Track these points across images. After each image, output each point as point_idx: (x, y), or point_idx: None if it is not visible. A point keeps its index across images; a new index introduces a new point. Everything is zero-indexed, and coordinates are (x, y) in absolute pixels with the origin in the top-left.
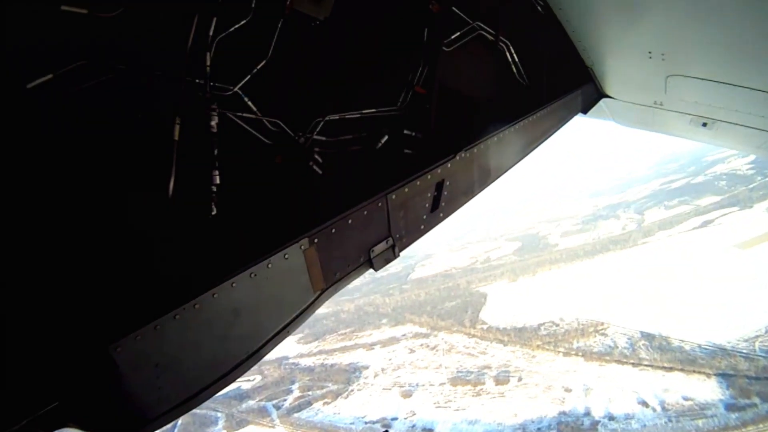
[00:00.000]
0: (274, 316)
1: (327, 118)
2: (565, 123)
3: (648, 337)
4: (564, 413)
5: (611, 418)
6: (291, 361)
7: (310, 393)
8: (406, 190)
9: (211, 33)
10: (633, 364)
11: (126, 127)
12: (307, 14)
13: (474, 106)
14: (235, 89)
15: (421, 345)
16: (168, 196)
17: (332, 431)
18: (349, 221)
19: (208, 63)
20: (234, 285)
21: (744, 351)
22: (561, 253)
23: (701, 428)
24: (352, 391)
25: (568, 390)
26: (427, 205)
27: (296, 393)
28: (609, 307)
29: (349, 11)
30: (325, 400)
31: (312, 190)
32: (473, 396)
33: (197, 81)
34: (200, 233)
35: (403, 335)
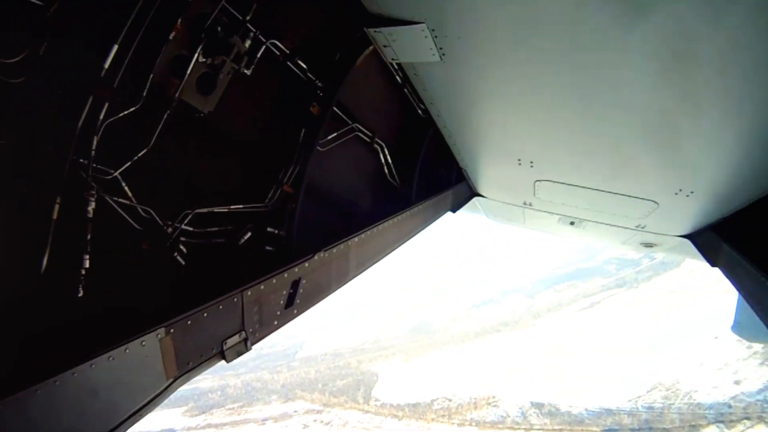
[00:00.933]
0: (129, 400)
1: (196, 211)
2: (434, 221)
3: (538, 405)
4: None
5: None
6: None
7: None
8: (262, 287)
9: (101, 116)
10: (525, 428)
11: (8, 200)
12: (194, 106)
13: (340, 206)
14: (116, 174)
15: (315, 420)
16: (40, 273)
17: None
18: (205, 314)
19: (94, 146)
20: (93, 366)
21: (627, 409)
22: (452, 335)
23: None
24: None
25: None
26: (281, 301)
27: None
28: (500, 381)
29: (230, 109)
30: None
31: (174, 280)
32: None
33: (81, 161)
34: (66, 312)
35: (295, 411)
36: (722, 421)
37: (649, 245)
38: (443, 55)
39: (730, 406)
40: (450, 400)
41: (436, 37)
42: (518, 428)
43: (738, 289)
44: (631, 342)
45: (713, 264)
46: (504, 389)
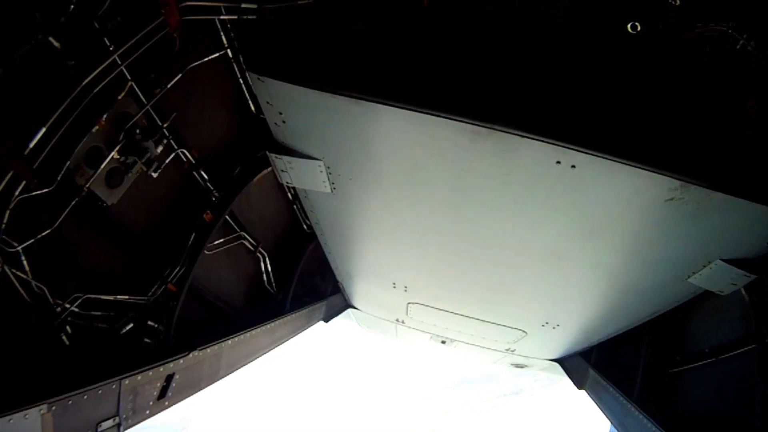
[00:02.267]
0: None
1: (86, 296)
2: (306, 328)
3: None
4: None
5: None
6: None
7: None
8: (139, 378)
9: (17, 192)
10: None
11: None
12: (99, 197)
13: (219, 308)
14: (19, 248)
15: None
16: None
17: None
18: (85, 396)
19: (5, 219)
20: None
21: None
22: None
23: None
24: None
25: None
26: (155, 392)
27: None
28: None
29: (132, 204)
30: None
31: (57, 358)
32: None
33: None
34: None
35: None
36: None
37: (520, 366)
38: (334, 189)
39: None
40: None
41: (330, 173)
42: None
43: (602, 410)
44: None
45: (579, 387)
46: None
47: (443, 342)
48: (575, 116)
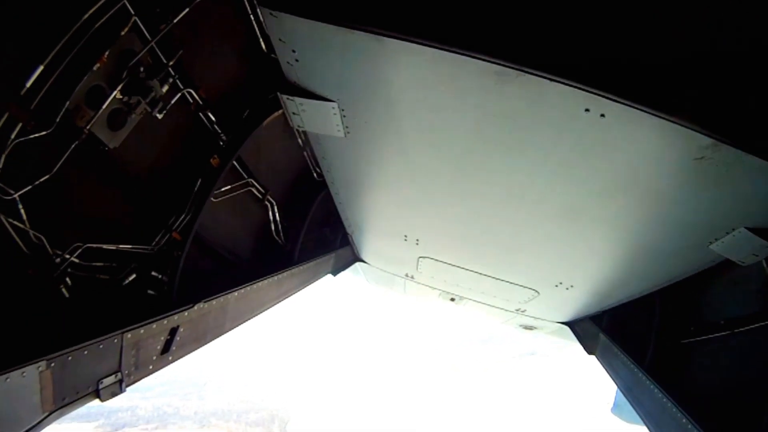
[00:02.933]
0: (2, 429)
1: (86, 245)
2: (314, 281)
3: None
4: None
5: None
6: None
7: None
8: (142, 331)
9: (12, 135)
10: None
11: None
12: (101, 140)
13: (227, 257)
14: (15, 195)
15: None
16: None
17: None
18: (86, 352)
19: (1, 165)
20: None
21: None
22: (363, 380)
23: None
24: None
25: None
26: (158, 347)
27: None
28: (415, 416)
29: (134, 148)
30: None
31: (57, 312)
32: None
33: None
34: None
35: None
36: None
37: (529, 328)
38: (348, 132)
39: None
40: None
41: (344, 116)
42: None
43: (612, 377)
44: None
45: (589, 352)
46: (421, 424)
47: (452, 299)
48: (609, 61)
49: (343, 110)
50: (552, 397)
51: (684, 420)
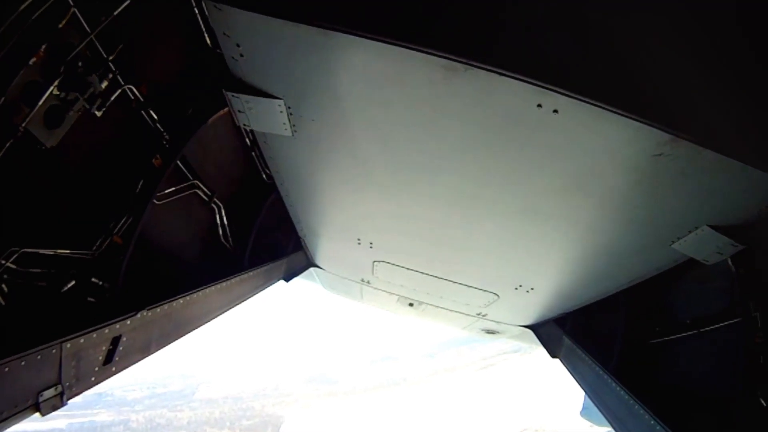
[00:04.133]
0: None
1: (22, 250)
2: (265, 288)
3: None
4: None
5: None
6: None
7: None
8: (82, 340)
9: None
10: None
11: None
12: (37, 138)
13: (171, 263)
14: None
15: None
16: None
17: None
18: (23, 363)
19: None
20: None
21: None
22: (353, 387)
23: None
24: None
25: None
26: (100, 357)
27: None
28: (397, 427)
29: (72, 147)
30: None
31: None
32: None
33: None
34: None
35: None
36: None
37: (491, 332)
38: (295, 131)
39: None
40: None
41: (291, 114)
42: None
43: (576, 380)
44: (512, 397)
45: (553, 355)
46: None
47: (411, 305)
48: (561, 54)
49: (289, 108)
50: (520, 401)
51: (652, 421)
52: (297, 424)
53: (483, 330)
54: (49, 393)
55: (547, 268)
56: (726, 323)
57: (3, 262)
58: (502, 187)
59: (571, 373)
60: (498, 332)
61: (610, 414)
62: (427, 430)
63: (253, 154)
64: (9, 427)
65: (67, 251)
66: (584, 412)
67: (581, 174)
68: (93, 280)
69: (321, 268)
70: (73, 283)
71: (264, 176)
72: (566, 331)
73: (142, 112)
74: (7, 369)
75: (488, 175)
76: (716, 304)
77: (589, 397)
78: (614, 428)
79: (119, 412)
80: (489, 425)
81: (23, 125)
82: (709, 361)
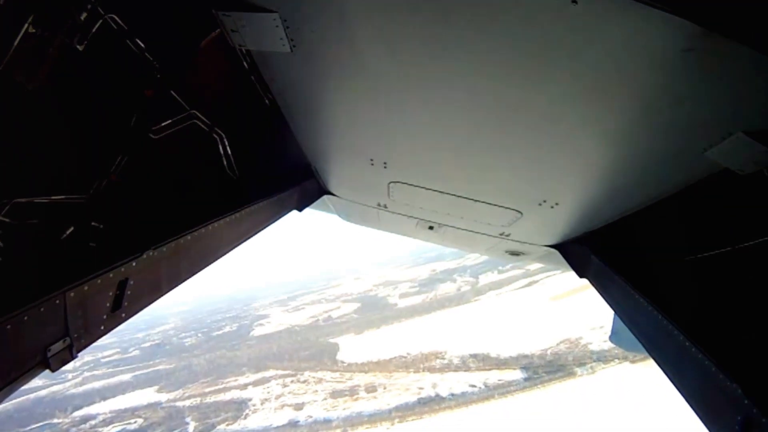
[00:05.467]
0: None
1: (14, 201)
2: (277, 219)
3: (474, 355)
4: (421, 398)
5: (453, 395)
6: (165, 405)
7: (207, 421)
8: (86, 288)
9: None
10: (464, 370)
11: None
12: (18, 82)
13: (174, 199)
14: None
15: (292, 381)
16: None
17: None
18: (25, 318)
19: None
20: None
21: (538, 354)
22: (401, 311)
23: (507, 391)
24: (247, 414)
25: (420, 388)
26: (108, 304)
27: (193, 423)
28: (445, 342)
29: (57, 87)
30: (227, 422)
31: None
32: (352, 401)
33: None
34: None
35: (271, 376)
36: (600, 360)
37: (515, 254)
38: (294, 46)
39: (608, 351)
40: (405, 357)
41: (287, 27)
42: (459, 370)
43: (607, 301)
44: (553, 311)
45: (581, 275)
46: (449, 347)
47: (431, 228)
48: None
49: (285, 21)
50: (560, 315)
51: (687, 343)
52: (352, 350)
53: (507, 252)
54: (57, 347)
55: (572, 180)
56: (763, 240)
57: None
58: (521, 91)
59: (600, 293)
60: (523, 253)
61: (642, 336)
62: (471, 345)
63: (252, 78)
64: (19, 386)
65: (63, 197)
66: (613, 338)
67: (604, 74)
68: (93, 224)
69: (335, 195)
70: (72, 229)
71: (266, 101)
72: (594, 250)
73: (128, 42)
74: (9, 326)
75: (506, 79)
76: (753, 220)
77: (620, 318)
78: (647, 350)
79: (180, 359)
80: (531, 335)
81: (1, 68)
82: (745, 279)
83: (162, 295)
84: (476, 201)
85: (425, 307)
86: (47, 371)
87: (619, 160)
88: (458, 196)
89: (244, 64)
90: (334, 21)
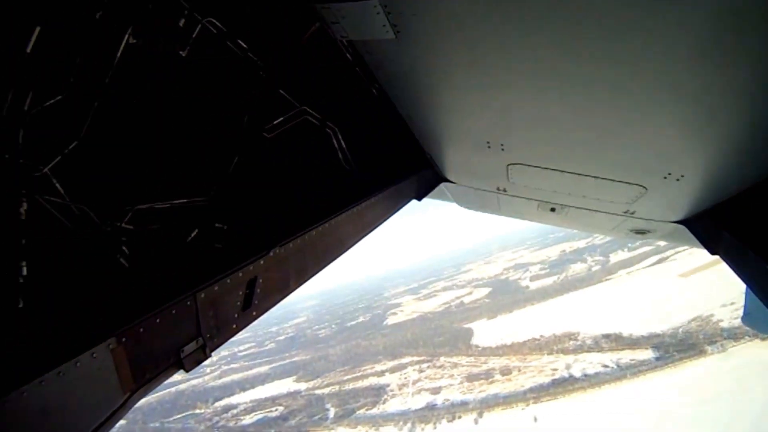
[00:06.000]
0: (84, 418)
1: (136, 208)
2: (398, 209)
3: (606, 335)
4: (555, 379)
5: (586, 375)
6: (304, 393)
7: (347, 406)
8: (216, 288)
9: (26, 107)
10: (597, 350)
11: None
12: (125, 92)
13: (293, 196)
14: (45, 170)
15: (428, 366)
16: None
17: (387, 419)
18: (158, 320)
19: (20, 140)
20: (42, 383)
21: (670, 334)
22: (533, 294)
23: (639, 371)
24: (385, 399)
25: (554, 369)
26: (238, 303)
27: (333, 409)
28: (577, 324)
29: (167, 92)
30: (365, 407)
31: (119, 285)
32: (488, 384)
33: (5, 157)
34: (6, 326)
35: (408, 363)
36: (731, 338)
37: (641, 232)
38: (398, 32)
39: (738, 328)
40: (538, 340)
41: (389, 13)
42: (592, 351)
43: (742, 279)
44: (683, 288)
45: (713, 251)
46: (581, 328)
47: (552, 210)
48: None
49: (386, 6)
50: (692, 293)
51: None
52: (485, 335)
53: (632, 231)
54: (190, 347)
55: (698, 149)
56: None
57: (118, 224)
58: (641, 61)
59: (733, 270)
60: (649, 231)
61: None
62: (603, 325)
63: (357, 69)
64: (154, 387)
65: (184, 200)
66: (747, 319)
67: (726, 31)
68: (216, 225)
69: (452, 182)
70: (196, 231)
71: (374, 90)
72: (724, 224)
73: (229, 43)
74: (141, 330)
75: (623, 50)
76: None
77: (757, 296)
78: None
79: (316, 350)
80: (662, 314)
81: (106, 81)
82: None
83: (290, 292)
84: (598, 178)
85: (556, 288)
86: (181, 371)
87: (748, 123)
88: (579, 174)
89: (347, 55)
90: (436, 2)
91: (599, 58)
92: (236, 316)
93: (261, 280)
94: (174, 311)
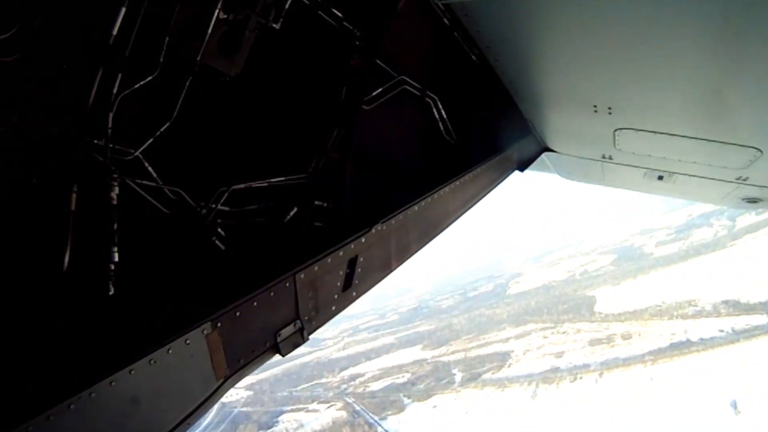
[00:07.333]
0: (175, 406)
1: (232, 188)
2: (500, 182)
3: (725, 301)
4: (673, 343)
5: (702, 339)
6: (431, 360)
7: (473, 371)
8: (316, 268)
9: (114, 90)
10: (715, 316)
11: (18, 192)
12: (218, 70)
13: (394, 170)
14: (136, 153)
15: (551, 333)
16: (63, 272)
17: (513, 381)
18: (255, 303)
19: (110, 124)
20: (132, 372)
21: None
22: (657, 260)
23: (753, 335)
24: (510, 364)
25: (673, 334)
26: (338, 283)
27: (460, 374)
28: (698, 290)
29: (261, 69)
30: (491, 371)
31: (214, 268)
32: (609, 348)
33: (96, 142)
34: (97, 314)
35: (531, 330)
36: None
37: (753, 201)
38: None
39: None
40: (660, 306)
41: None
42: (710, 316)
43: None
44: None
45: None
46: (702, 295)
47: (660, 178)
48: None
49: None
50: None
51: None
52: (609, 302)
53: (743, 199)
54: (287, 331)
55: None
56: None
57: (213, 206)
58: (755, 16)
59: None
60: (762, 200)
61: None
62: (723, 292)
63: (455, 34)
64: (249, 372)
65: (281, 178)
66: None
67: None
68: (316, 203)
69: (554, 151)
70: (295, 210)
71: (473, 57)
72: None
73: (322, 13)
74: (238, 313)
75: (736, 6)
76: None
77: None
78: None
79: (439, 320)
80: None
81: (198, 59)
82: None
83: (392, 271)
84: (709, 141)
85: (681, 255)
86: (277, 356)
87: None
88: (690, 138)
89: (445, 20)
90: None
91: (715, 10)
92: (336, 297)
93: (362, 259)
94: (272, 293)
